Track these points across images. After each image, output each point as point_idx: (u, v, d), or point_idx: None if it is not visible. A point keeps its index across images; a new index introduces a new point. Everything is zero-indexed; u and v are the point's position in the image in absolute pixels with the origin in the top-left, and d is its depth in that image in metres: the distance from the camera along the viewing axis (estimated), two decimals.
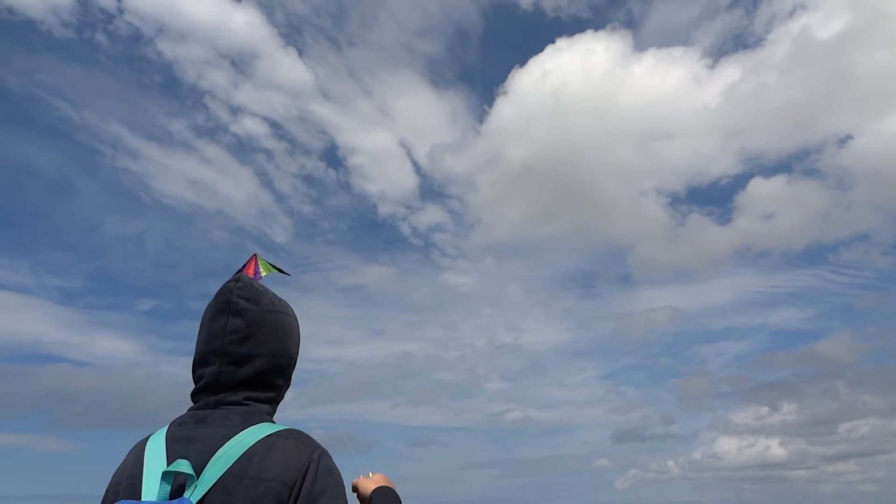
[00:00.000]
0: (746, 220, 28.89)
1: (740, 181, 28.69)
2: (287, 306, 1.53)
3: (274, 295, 1.51)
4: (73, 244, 26.29)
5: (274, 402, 1.47)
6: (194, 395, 1.43)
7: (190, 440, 1.32)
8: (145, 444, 1.37)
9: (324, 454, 1.33)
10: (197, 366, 1.43)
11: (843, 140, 26.06)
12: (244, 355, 1.40)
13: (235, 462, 1.26)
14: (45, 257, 25.16)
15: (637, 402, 29.71)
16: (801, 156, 27.64)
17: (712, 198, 29.78)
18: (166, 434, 1.36)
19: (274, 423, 1.39)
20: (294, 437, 1.33)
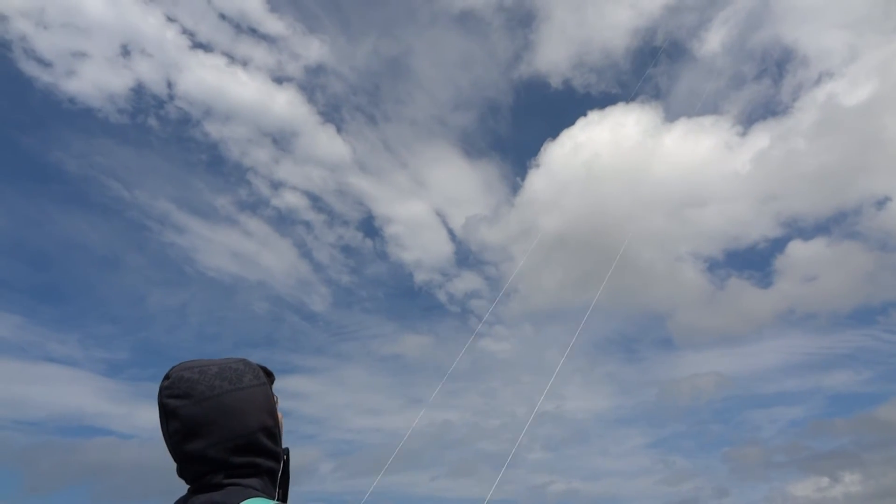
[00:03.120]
0: (788, 283, 28.07)
1: (778, 245, 28.08)
2: (236, 379, 1.41)
3: (217, 373, 1.39)
4: (119, 317, 27.14)
5: (259, 475, 1.40)
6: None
7: None
8: None
9: None
10: None
11: (882, 202, 25.58)
12: (193, 453, 1.34)
13: None
14: (93, 330, 25.96)
15: (687, 472, 28.08)
16: (839, 218, 27.10)
17: (751, 262, 29.07)
18: None
19: (262, 496, 1.34)
20: None
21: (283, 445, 1.50)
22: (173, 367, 1.40)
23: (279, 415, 1.50)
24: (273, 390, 1.52)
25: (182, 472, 1.39)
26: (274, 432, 1.45)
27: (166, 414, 1.36)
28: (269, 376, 1.51)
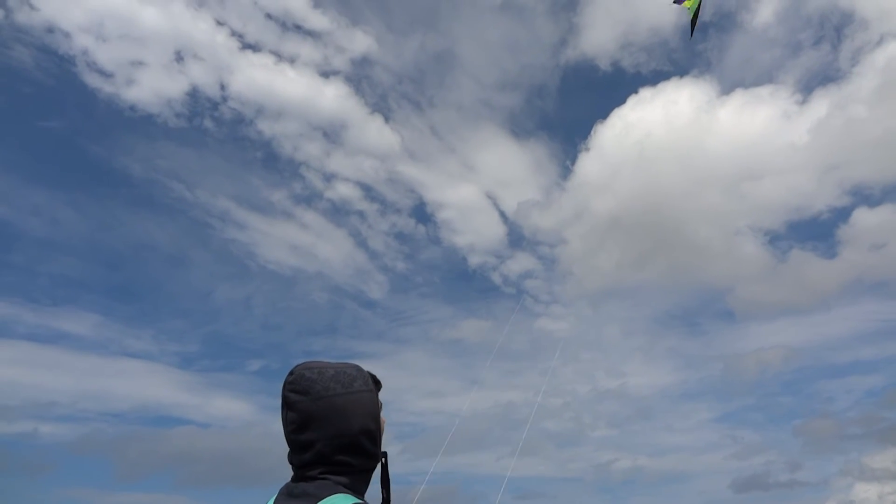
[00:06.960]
0: (854, 251, 26.76)
1: (843, 214, 26.82)
2: (348, 383, 1.57)
3: (333, 376, 1.56)
4: (188, 311, 28.68)
5: (351, 474, 1.55)
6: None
7: None
8: None
9: None
10: None
11: None
12: (304, 443, 1.52)
13: None
14: (165, 325, 27.56)
15: (757, 446, 27.21)
16: None
17: (814, 232, 27.88)
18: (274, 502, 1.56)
19: (349, 494, 1.49)
20: None
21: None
22: (297, 366, 1.58)
23: (382, 419, 1.65)
24: (378, 396, 1.66)
25: (291, 458, 1.58)
26: (374, 436, 1.60)
27: (287, 405, 1.55)
28: (377, 384, 1.67)
